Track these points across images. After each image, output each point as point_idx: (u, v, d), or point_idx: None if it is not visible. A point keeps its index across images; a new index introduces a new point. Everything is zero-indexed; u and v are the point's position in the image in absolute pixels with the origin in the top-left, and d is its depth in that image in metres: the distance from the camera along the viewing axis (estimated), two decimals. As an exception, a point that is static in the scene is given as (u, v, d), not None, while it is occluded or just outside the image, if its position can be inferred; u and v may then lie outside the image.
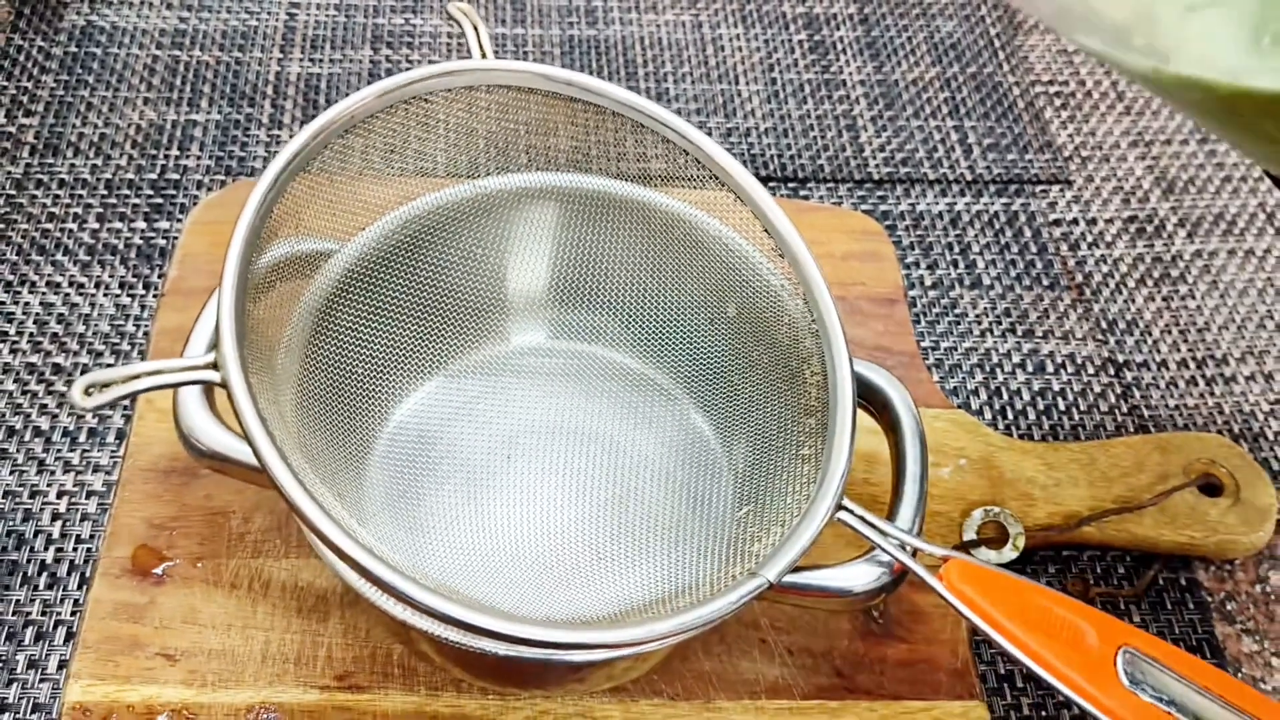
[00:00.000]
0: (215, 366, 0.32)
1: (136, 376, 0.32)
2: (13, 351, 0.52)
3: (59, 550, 0.46)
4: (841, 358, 0.39)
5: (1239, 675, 0.46)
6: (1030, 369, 0.55)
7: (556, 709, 0.41)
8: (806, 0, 0.71)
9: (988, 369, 0.55)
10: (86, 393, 0.31)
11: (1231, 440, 0.50)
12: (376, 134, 0.42)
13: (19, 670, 0.43)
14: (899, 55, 0.68)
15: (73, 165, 0.58)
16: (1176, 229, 0.61)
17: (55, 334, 0.52)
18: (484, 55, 0.41)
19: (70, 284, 0.54)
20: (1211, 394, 0.54)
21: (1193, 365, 0.55)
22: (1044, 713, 0.45)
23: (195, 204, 0.57)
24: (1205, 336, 0.56)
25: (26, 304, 0.53)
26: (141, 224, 0.56)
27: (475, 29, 0.42)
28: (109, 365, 0.51)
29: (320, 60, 0.65)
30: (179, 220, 0.57)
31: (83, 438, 0.49)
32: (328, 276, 0.41)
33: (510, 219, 0.45)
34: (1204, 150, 0.64)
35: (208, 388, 0.38)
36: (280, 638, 0.42)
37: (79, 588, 0.45)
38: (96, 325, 0.53)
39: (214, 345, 0.33)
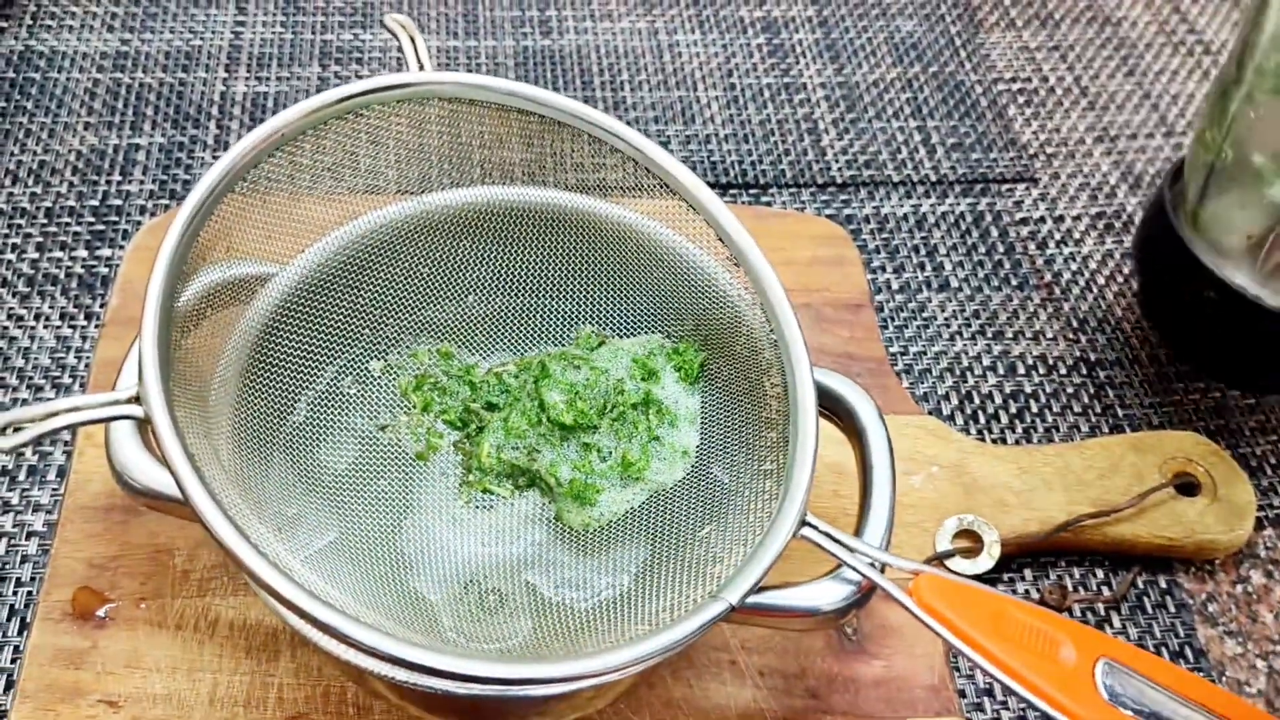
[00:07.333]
0: (138, 400, 0.31)
1: (54, 414, 0.30)
2: (-51, 389, 0.50)
3: (-2, 595, 0.44)
4: (802, 368, 0.37)
5: (1223, 679, 0.45)
6: (1001, 371, 0.53)
7: (520, 743, 0.40)
8: (764, 4, 0.70)
9: (958, 373, 0.53)
10: (2, 433, 0.30)
11: (1207, 437, 0.49)
12: (325, 152, 0.40)
13: (-44, 723, 0.41)
14: (859, 56, 0.67)
15: (11, 194, 0.57)
16: (1145, 224, 0.60)
17: (-6, 369, 0.50)
18: (421, 67, 0.40)
19: (9, 316, 0.52)
20: (1186, 391, 0.53)
21: (1165, 361, 0.54)
22: (1026, 726, 0.44)
23: (138, 230, 0.55)
24: (1177, 332, 0.55)
25: (-37, 339, 0.51)
26: (83, 252, 0.55)
27: (412, 41, 0.40)
28: (49, 399, 0.50)
29: (267, 79, 0.63)
30: (121, 247, 0.55)
31: (22, 476, 0.47)
32: (266, 301, 0.39)
33: (460, 235, 0.44)
34: (1170, 143, 0.63)
35: (142, 422, 0.37)
36: (229, 679, 0.40)
37: (19, 633, 0.43)
38: (36, 358, 0.51)
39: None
